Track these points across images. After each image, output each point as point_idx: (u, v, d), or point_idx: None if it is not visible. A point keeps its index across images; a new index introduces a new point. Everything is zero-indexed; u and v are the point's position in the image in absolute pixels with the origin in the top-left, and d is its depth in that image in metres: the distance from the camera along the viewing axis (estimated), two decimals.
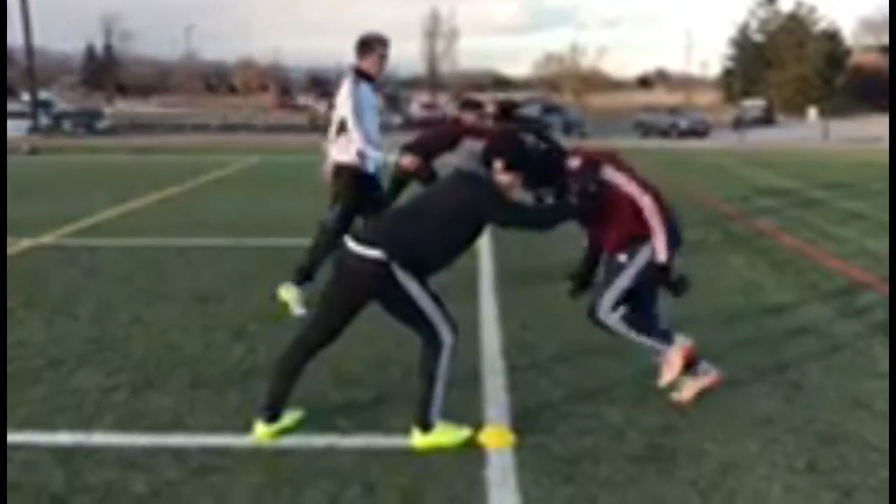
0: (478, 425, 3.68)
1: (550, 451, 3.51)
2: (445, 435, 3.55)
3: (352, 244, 3.48)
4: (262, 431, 3.61)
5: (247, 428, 3.69)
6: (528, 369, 4.53)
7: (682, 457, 3.47)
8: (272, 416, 3.62)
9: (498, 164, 3.61)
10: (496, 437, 3.60)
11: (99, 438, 3.61)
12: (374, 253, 3.38)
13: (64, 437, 3.61)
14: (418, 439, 3.55)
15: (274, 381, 3.64)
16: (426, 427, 3.54)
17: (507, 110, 7.33)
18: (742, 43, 76.78)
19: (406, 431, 3.62)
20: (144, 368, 4.53)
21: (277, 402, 3.62)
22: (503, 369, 4.50)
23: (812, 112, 54.71)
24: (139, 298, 6.08)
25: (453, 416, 3.62)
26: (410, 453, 3.49)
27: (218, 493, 3.14)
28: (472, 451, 3.49)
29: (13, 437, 3.60)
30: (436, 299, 3.50)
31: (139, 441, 3.59)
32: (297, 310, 5.58)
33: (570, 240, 8.59)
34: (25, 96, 43.58)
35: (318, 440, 3.60)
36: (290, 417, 3.70)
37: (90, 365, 4.58)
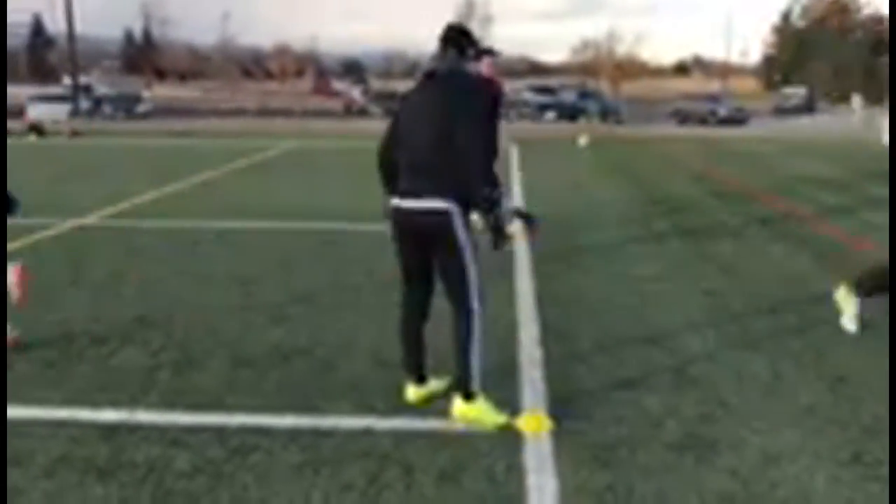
0: (515, 411, 3.68)
1: (588, 438, 3.50)
2: (485, 413, 3.58)
3: (408, 201, 3.49)
4: (412, 393, 3.79)
5: (287, 408, 3.74)
6: (564, 356, 4.52)
7: (722, 445, 3.44)
8: (419, 379, 3.79)
9: None
10: (533, 423, 3.60)
11: (142, 416, 3.68)
12: (435, 203, 3.42)
13: (109, 414, 3.69)
14: (459, 407, 3.59)
15: (405, 352, 3.79)
16: (468, 396, 3.59)
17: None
18: (784, 30, 75.35)
19: (444, 415, 3.64)
20: (186, 348, 4.60)
21: (417, 367, 3.77)
22: (540, 356, 4.49)
23: (856, 100, 53.54)
24: (180, 279, 6.17)
25: (490, 401, 3.63)
26: (448, 436, 3.50)
27: (259, 472, 3.18)
28: (509, 436, 3.49)
29: (60, 413, 3.69)
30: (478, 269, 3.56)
31: (181, 419, 3.65)
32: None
33: (606, 229, 8.55)
34: (67, 80, 44.34)
35: (357, 422, 3.63)
36: (437, 383, 3.85)
37: (133, 344, 4.67)
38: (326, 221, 8.83)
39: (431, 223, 3.46)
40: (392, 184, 3.64)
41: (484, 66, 8.20)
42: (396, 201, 3.57)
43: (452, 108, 3.41)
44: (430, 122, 3.45)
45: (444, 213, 3.43)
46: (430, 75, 3.59)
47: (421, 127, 3.49)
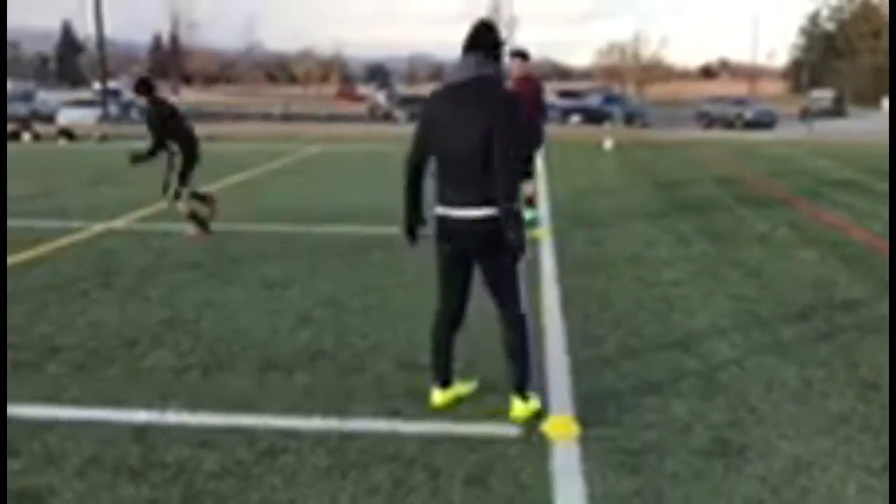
0: (542, 416, 3.67)
1: (616, 443, 3.49)
2: (539, 412, 3.70)
3: (457, 210, 3.48)
4: (438, 397, 3.82)
5: (314, 411, 3.76)
6: (592, 361, 4.50)
7: (752, 452, 3.41)
8: (444, 383, 3.82)
9: None
10: (561, 428, 3.59)
11: (172, 417, 3.72)
12: (487, 212, 3.43)
13: (139, 415, 3.73)
14: (519, 409, 3.66)
15: (434, 357, 3.82)
16: (525, 397, 3.67)
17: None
18: (812, 32, 74.56)
19: (471, 418, 3.65)
20: (215, 350, 4.64)
21: (444, 372, 3.82)
22: (567, 361, 4.48)
23: (885, 103, 52.80)
24: (208, 282, 6.23)
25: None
26: (474, 441, 3.50)
27: (287, 474, 3.20)
28: (536, 441, 3.49)
29: (92, 414, 3.74)
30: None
31: (211, 421, 3.69)
32: None
33: (632, 234, 8.50)
34: (96, 85, 44.93)
35: (383, 425, 3.64)
36: (463, 386, 3.91)
37: (163, 346, 4.72)
38: (352, 224, 8.87)
39: (483, 230, 3.47)
40: (417, 192, 3.65)
41: (515, 67, 8.56)
42: (443, 210, 3.54)
43: (492, 123, 3.39)
44: (471, 136, 3.40)
45: (496, 220, 3.44)
46: (463, 84, 3.49)
47: (460, 140, 3.43)
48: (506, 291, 3.62)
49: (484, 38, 3.50)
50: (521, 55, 8.74)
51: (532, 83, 8.86)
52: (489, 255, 3.56)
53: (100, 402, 3.88)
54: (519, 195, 3.51)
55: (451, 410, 3.79)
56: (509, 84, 8.15)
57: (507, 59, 8.17)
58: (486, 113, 3.41)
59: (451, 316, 3.76)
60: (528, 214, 8.85)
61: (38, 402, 3.89)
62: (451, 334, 3.80)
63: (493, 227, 3.45)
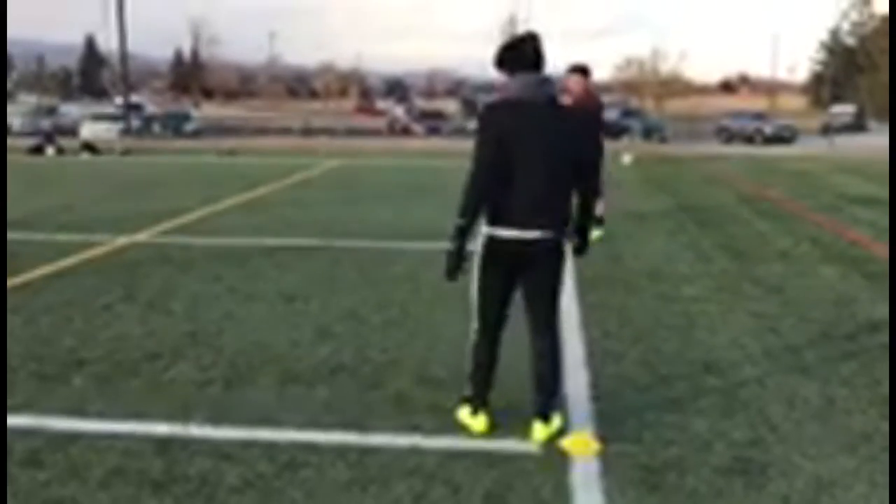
0: (562, 432, 3.67)
1: (635, 460, 3.48)
2: (562, 426, 3.70)
3: (518, 232, 3.44)
4: (487, 422, 3.71)
5: (335, 425, 3.78)
6: (611, 378, 4.50)
7: (773, 471, 3.39)
8: (485, 403, 3.73)
9: None
10: (580, 445, 3.59)
11: (195, 430, 3.75)
12: (549, 234, 3.47)
13: (162, 428, 3.77)
14: (542, 431, 3.61)
15: (482, 380, 3.72)
16: (549, 419, 3.64)
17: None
18: (832, 47, 74.21)
19: (491, 434, 3.65)
20: (236, 364, 4.68)
21: (484, 392, 3.73)
22: (586, 377, 4.48)
23: None
24: (229, 296, 6.29)
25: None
26: (494, 456, 3.51)
27: (308, 488, 3.22)
28: (556, 457, 3.49)
29: (116, 426, 3.78)
30: None
31: (232, 434, 3.72)
32: None
33: (652, 249, 8.48)
34: (118, 100, 45.49)
35: (403, 440, 3.65)
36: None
37: (185, 359, 4.77)
38: (371, 239, 8.92)
39: (541, 249, 3.49)
40: (474, 213, 3.45)
41: (573, 83, 8.30)
42: (507, 232, 3.45)
43: (579, 146, 3.52)
44: (556, 158, 3.44)
45: (556, 240, 3.50)
46: (535, 104, 3.46)
47: (542, 162, 3.42)
48: (548, 309, 3.63)
49: (541, 57, 3.51)
50: (582, 70, 8.38)
51: (594, 100, 8.59)
52: (547, 267, 3.56)
53: (123, 415, 3.92)
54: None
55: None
56: (566, 100, 8.03)
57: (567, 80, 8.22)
58: (571, 135, 3.48)
59: (497, 336, 3.70)
60: (596, 231, 8.75)
61: (64, 414, 3.94)
62: (496, 352, 3.73)
63: (552, 246, 3.50)
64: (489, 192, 3.43)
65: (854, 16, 74.42)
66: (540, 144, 3.40)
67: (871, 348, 5.05)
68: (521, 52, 3.49)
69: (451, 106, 57.53)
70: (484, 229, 3.52)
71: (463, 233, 3.47)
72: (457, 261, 3.51)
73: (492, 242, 3.50)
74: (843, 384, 4.39)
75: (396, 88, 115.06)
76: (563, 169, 3.47)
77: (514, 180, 3.40)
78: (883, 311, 5.97)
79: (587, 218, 3.72)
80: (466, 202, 3.44)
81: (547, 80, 3.51)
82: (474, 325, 3.71)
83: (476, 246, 3.57)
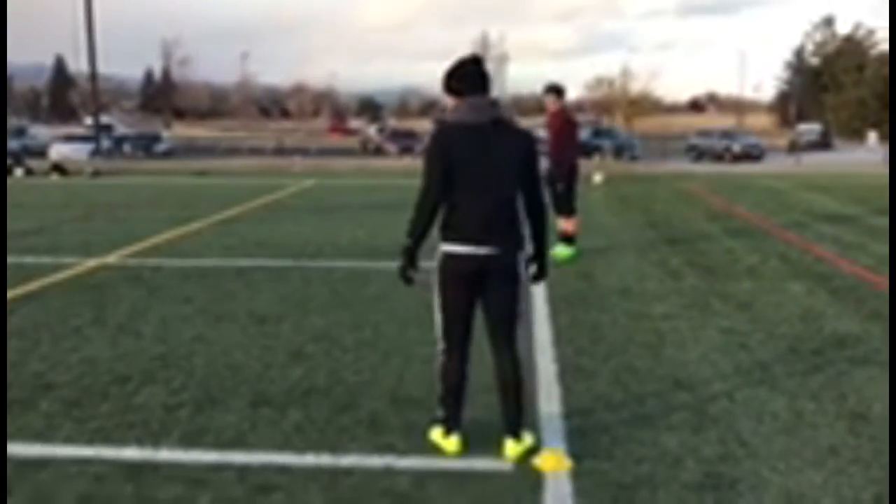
0: (534, 450, 3.69)
1: (607, 477, 3.50)
2: (533, 443, 3.72)
3: (473, 248, 3.52)
4: (459, 443, 3.72)
5: (307, 447, 3.76)
6: (583, 395, 4.53)
7: (743, 486, 3.43)
8: (457, 424, 3.74)
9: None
10: (552, 462, 3.60)
11: (165, 454, 3.71)
12: (506, 249, 3.54)
13: (132, 453, 3.73)
14: (513, 449, 3.64)
15: (455, 400, 3.73)
16: (519, 436, 3.67)
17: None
18: (797, 66, 75.70)
19: (463, 454, 3.65)
20: (207, 386, 4.64)
21: (457, 413, 3.74)
22: (559, 395, 4.50)
23: (872, 136, 53.42)
24: (200, 318, 6.24)
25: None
26: (467, 476, 3.51)
27: None
28: (529, 475, 3.50)
29: (85, 451, 3.73)
30: None
31: (204, 458, 3.68)
32: None
33: (623, 267, 8.56)
34: (88, 120, 45.10)
35: (376, 461, 3.65)
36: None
37: (155, 382, 4.72)
38: (344, 259, 8.91)
39: (497, 266, 3.55)
40: (427, 231, 3.60)
41: (550, 103, 8.58)
42: (462, 248, 3.53)
43: (527, 166, 3.60)
44: (505, 177, 3.54)
45: (513, 255, 3.57)
46: (484, 126, 3.54)
47: (493, 181, 3.52)
48: (508, 325, 3.68)
49: (487, 79, 3.63)
50: (557, 91, 8.62)
51: (569, 120, 8.85)
52: (505, 288, 3.61)
53: (92, 440, 3.87)
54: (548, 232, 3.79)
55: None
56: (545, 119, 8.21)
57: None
58: (520, 156, 3.57)
59: (465, 355, 3.72)
60: (566, 250, 8.85)
61: (31, 440, 3.88)
62: (465, 370, 3.74)
63: (514, 262, 3.58)
64: (435, 213, 3.58)
65: (818, 37, 76.02)
66: (486, 165, 3.52)
67: (838, 362, 5.13)
68: (467, 76, 3.60)
69: (424, 125, 57.75)
70: (440, 247, 3.61)
71: (411, 252, 3.65)
72: (408, 262, 3.67)
73: (448, 260, 3.59)
74: (810, 398, 4.46)
75: (369, 107, 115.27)
76: (509, 188, 3.57)
77: (464, 200, 3.53)
78: (848, 325, 6.08)
79: (542, 243, 3.77)
80: (414, 223, 3.62)
81: (495, 103, 3.64)
82: (440, 345, 3.74)
83: (434, 263, 3.64)
